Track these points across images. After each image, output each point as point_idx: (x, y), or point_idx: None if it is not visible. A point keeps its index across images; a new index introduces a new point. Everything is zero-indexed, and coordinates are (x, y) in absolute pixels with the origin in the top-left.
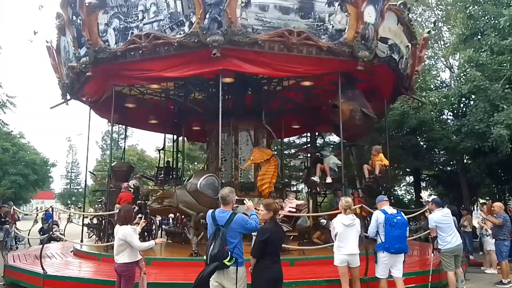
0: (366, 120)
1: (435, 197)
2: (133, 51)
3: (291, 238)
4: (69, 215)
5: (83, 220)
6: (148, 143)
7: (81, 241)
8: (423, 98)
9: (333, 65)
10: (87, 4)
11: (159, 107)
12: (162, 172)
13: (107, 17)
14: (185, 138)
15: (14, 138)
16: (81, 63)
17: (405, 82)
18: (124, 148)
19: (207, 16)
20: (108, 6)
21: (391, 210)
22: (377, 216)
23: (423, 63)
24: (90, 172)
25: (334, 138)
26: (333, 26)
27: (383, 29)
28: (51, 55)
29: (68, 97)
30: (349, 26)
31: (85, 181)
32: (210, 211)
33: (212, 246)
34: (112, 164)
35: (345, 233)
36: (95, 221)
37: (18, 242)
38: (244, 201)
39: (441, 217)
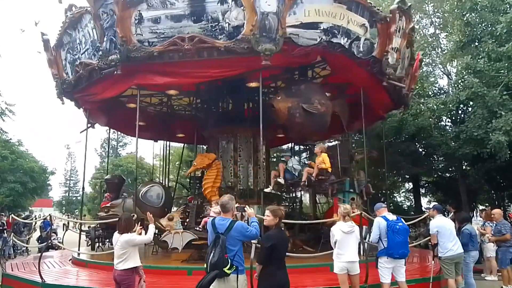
0: (309, 117)
1: (436, 203)
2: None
3: None
4: (67, 223)
5: (80, 228)
6: (147, 150)
7: (78, 249)
8: (421, 105)
9: (239, 64)
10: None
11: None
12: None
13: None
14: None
15: (13, 146)
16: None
17: (378, 67)
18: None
19: (105, 39)
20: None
21: (392, 217)
22: (379, 223)
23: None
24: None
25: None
26: (229, 24)
27: (303, 13)
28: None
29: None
30: (246, 20)
31: (83, 188)
32: (210, 218)
33: (212, 254)
34: (105, 177)
35: (345, 240)
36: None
37: (16, 251)
38: (245, 208)
39: (442, 223)
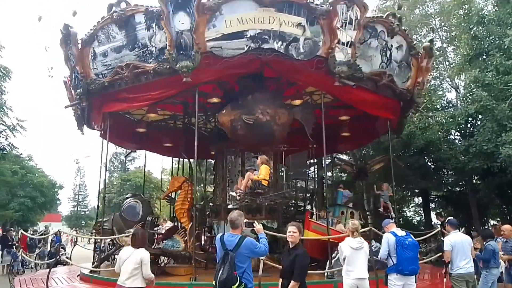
0: (250, 128)
1: (451, 218)
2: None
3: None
4: (76, 238)
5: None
6: (155, 165)
7: (94, 266)
8: (429, 118)
9: (172, 83)
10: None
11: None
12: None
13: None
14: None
15: (23, 161)
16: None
17: (325, 66)
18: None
19: (73, 76)
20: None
21: (401, 232)
22: (388, 238)
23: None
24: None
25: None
26: (155, 48)
27: (225, 25)
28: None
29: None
30: (166, 42)
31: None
32: (219, 235)
33: (220, 271)
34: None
35: (354, 256)
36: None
37: (25, 266)
38: (254, 224)
39: (456, 239)
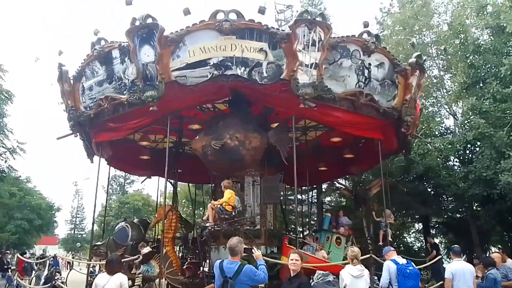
0: (218, 153)
1: (456, 246)
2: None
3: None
4: (72, 262)
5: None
6: (154, 187)
7: None
8: (428, 145)
9: (144, 113)
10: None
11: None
12: None
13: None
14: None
15: (22, 183)
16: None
17: (288, 89)
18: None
19: (67, 109)
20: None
21: (402, 260)
22: (389, 266)
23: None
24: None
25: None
26: (128, 80)
27: (188, 55)
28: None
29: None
30: (136, 73)
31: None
32: (218, 261)
33: None
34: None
35: (354, 284)
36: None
37: None
38: (252, 250)
39: (457, 267)
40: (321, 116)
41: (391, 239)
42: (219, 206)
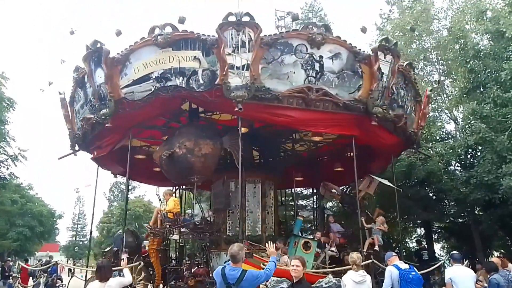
0: (168, 162)
1: (455, 252)
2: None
3: None
4: (73, 269)
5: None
6: (155, 194)
7: None
8: (429, 150)
9: (109, 131)
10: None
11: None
12: None
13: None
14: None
15: (23, 190)
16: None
17: (221, 94)
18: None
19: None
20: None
21: (404, 265)
22: (391, 272)
23: None
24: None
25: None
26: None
27: (133, 72)
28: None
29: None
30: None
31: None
32: (219, 268)
33: None
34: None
35: None
36: None
37: None
38: (266, 246)
39: (457, 272)
40: (271, 117)
41: (378, 247)
42: (163, 212)
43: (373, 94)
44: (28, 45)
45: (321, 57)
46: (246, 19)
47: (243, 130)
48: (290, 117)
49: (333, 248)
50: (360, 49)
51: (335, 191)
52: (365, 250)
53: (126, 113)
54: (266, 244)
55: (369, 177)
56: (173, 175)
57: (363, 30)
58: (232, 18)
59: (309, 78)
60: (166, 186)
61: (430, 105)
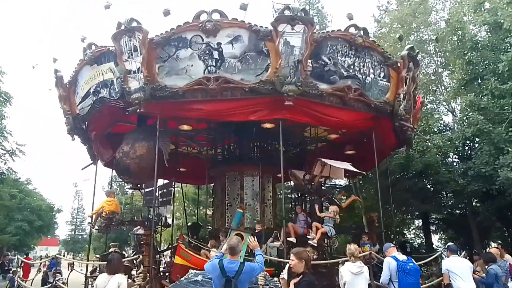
0: (116, 167)
1: (451, 243)
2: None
3: None
4: (73, 263)
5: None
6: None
7: None
8: (427, 142)
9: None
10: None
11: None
12: None
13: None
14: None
15: (22, 185)
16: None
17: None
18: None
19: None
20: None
21: (402, 257)
22: (389, 263)
23: None
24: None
25: (340, 181)
26: None
27: (81, 90)
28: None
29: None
30: None
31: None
32: (216, 261)
33: None
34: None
35: (354, 281)
36: None
37: None
38: (249, 239)
39: (453, 263)
40: (183, 112)
41: (328, 237)
42: (101, 210)
43: (280, 71)
44: (28, 44)
45: (219, 44)
46: (134, 24)
47: (269, 125)
48: (200, 110)
49: (291, 239)
50: (261, 26)
51: (298, 178)
52: (314, 237)
53: (89, 123)
54: (249, 238)
55: (320, 161)
56: (120, 177)
57: (350, 17)
58: (123, 27)
59: (209, 68)
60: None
61: (427, 97)
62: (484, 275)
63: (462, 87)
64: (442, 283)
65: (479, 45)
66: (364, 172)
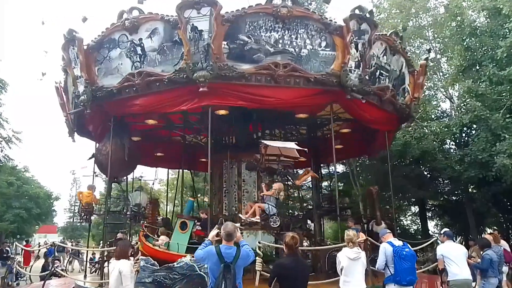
0: (96, 163)
1: (447, 229)
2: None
3: None
4: (71, 250)
5: (87, 256)
6: (152, 176)
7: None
8: (424, 128)
9: None
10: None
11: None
12: None
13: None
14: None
15: (19, 172)
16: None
17: None
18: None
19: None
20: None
21: (398, 242)
22: (385, 249)
23: None
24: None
25: (338, 168)
26: None
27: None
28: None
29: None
30: None
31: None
32: (212, 248)
33: (224, 285)
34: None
35: (351, 267)
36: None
37: (19, 278)
38: (235, 231)
39: (448, 249)
40: (124, 109)
41: (267, 215)
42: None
43: (190, 59)
44: (22, 31)
45: (140, 39)
46: (74, 36)
47: (223, 112)
48: (136, 105)
49: (254, 218)
50: (171, 16)
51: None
52: (245, 216)
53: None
54: (237, 229)
55: (262, 144)
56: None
57: (326, 1)
58: (66, 37)
59: (135, 64)
60: (170, 168)
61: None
62: (479, 260)
63: (460, 74)
64: (437, 268)
65: (478, 31)
66: (305, 149)
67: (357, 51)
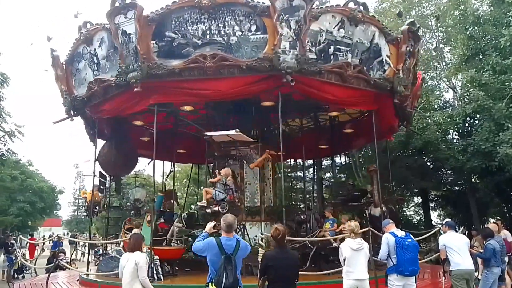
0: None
1: (449, 219)
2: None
3: None
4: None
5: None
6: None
7: (87, 269)
8: (427, 119)
9: None
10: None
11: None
12: None
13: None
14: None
15: (23, 166)
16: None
17: None
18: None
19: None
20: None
21: (400, 233)
22: (388, 239)
23: None
24: None
25: (341, 160)
26: None
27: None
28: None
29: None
30: None
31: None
32: (211, 239)
33: (225, 276)
34: None
35: (354, 257)
36: None
37: (24, 271)
38: (235, 222)
39: (450, 239)
40: (99, 113)
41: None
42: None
43: (124, 62)
44: (24, 24)
45: (95, 49)
46: (53, 55)
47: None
48: (105, 110)
49: (201, 203)
50: (107, 24)
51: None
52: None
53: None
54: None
55: (205, 136)
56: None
57: None
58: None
59: (94, 72)
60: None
61: (428, 73)
62: (482, 250)
63: (463, 63)
64: (440, 258)
65: (481, 19)
66: (254, 140)
67: (290, 30)
